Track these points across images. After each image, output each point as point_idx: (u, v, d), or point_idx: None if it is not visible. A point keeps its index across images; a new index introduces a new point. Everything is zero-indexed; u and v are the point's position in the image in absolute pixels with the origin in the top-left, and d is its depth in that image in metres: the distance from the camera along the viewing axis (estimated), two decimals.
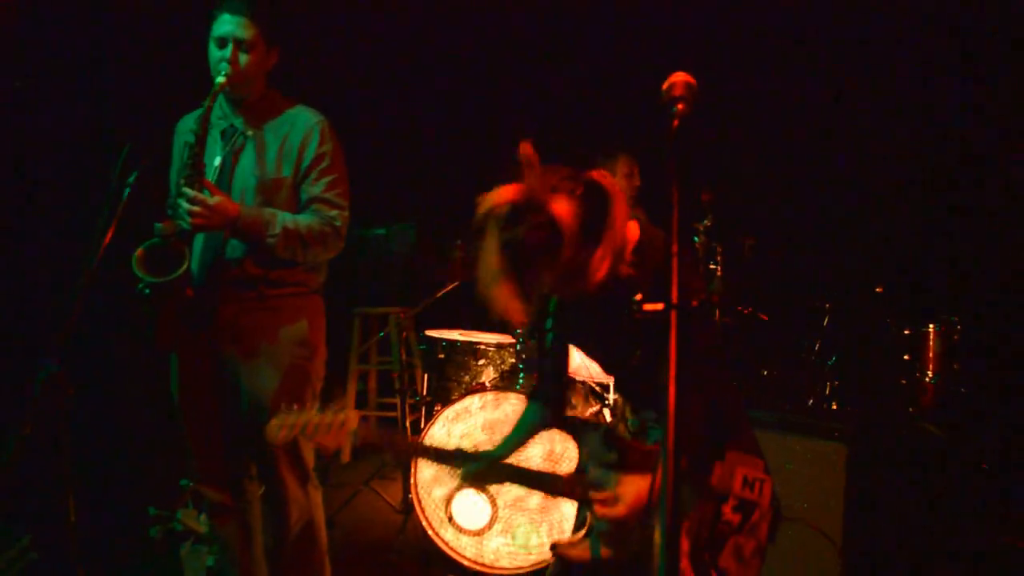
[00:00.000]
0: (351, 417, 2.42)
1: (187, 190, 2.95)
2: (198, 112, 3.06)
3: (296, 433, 2.44)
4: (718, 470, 2.39)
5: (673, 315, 1.33)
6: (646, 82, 2.36)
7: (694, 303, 1.70)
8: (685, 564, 2.37)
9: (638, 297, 1.84)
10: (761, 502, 2.42)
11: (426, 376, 5.20)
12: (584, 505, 2.50)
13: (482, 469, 2.53)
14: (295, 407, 2.47)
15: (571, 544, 2.56)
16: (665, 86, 1.82)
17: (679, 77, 1.81)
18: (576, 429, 2.52)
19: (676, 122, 1.61)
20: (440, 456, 2.54)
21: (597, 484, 2.43)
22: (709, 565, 2.37)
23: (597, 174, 2.23)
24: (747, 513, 2.43)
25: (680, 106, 1.65)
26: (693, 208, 5.30)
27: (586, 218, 2.13)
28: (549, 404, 2.68)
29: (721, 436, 2.42)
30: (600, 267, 2.16)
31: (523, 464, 2.53)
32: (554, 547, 2.58)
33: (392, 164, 5.97)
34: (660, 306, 1.36)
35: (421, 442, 2.61)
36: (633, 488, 2.35)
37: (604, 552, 2.45)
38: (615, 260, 2.20)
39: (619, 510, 2.36)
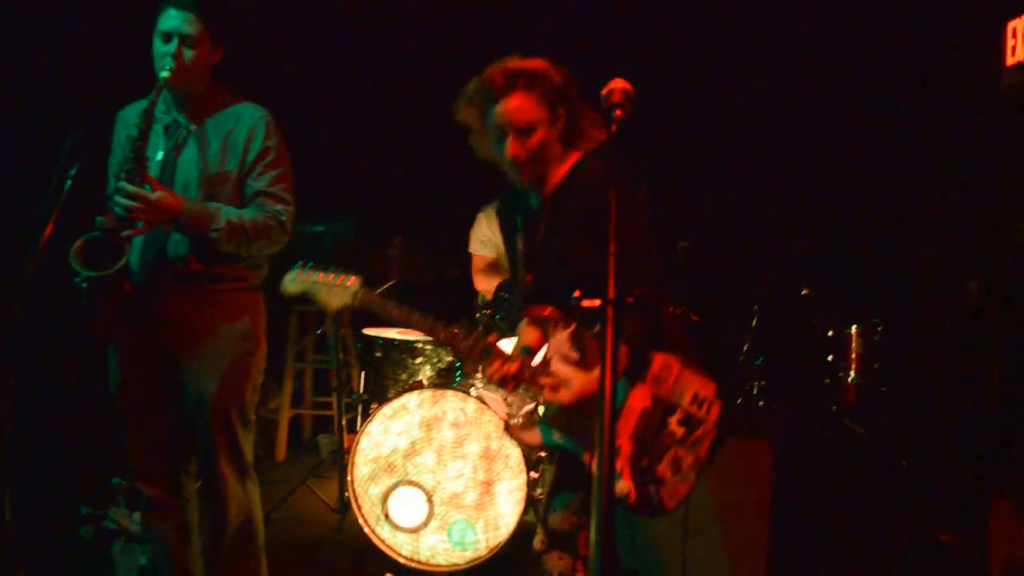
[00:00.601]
0: (354, 280, 2.74)
1: (125, 185, 2.92)
2: (141, 104, 3.05)
3: (308, 287, 2.77)
4: (664, 374, 2.56)
5: (609, 311, 1.39)
6: (587, 88, 2.48)
7: (636, 293, 1.82)
8: (623, 466, 2.51)
9: (576, 293, 1.94)
10: (708, 420, 2.57)
11: (363, 374, 5.21)
12: (536, 388, 2.66)
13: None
14: (312, 263, 2.79)
15: (522, 427, 2.72)
16: (604, 92, 1.91)
17: (617, 84, 1.91)
18: (544, 324, 2.65)
19: (614, 127, 1.69)
20: (431, 329, 2.70)
21: (551, 374, 2.60)
22: (647, 470, 2.49)
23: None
24: (691, 428, 2.57)
25: (618, 112, 1.74)
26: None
27: (552, 88, 2.54)
28: (522, 308, 2.81)
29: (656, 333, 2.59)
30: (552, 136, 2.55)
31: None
32: (506, 426, 2.75)
33: (331, 160, 5.96)
34: (597, 302, 1.43)
35: (413, 311, 2.72)
36: (581, 379, 2.52)
37: (556, 437, 2.62)
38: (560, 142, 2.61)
39: (565, 396, 2.54)
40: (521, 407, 4.22)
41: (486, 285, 4.92)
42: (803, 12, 5.88)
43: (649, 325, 2.57)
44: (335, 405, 4.83)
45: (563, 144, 2.67)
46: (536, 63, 2.58)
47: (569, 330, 2.63)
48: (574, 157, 2.70)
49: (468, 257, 5.20)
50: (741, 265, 6.18)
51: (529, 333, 2.79)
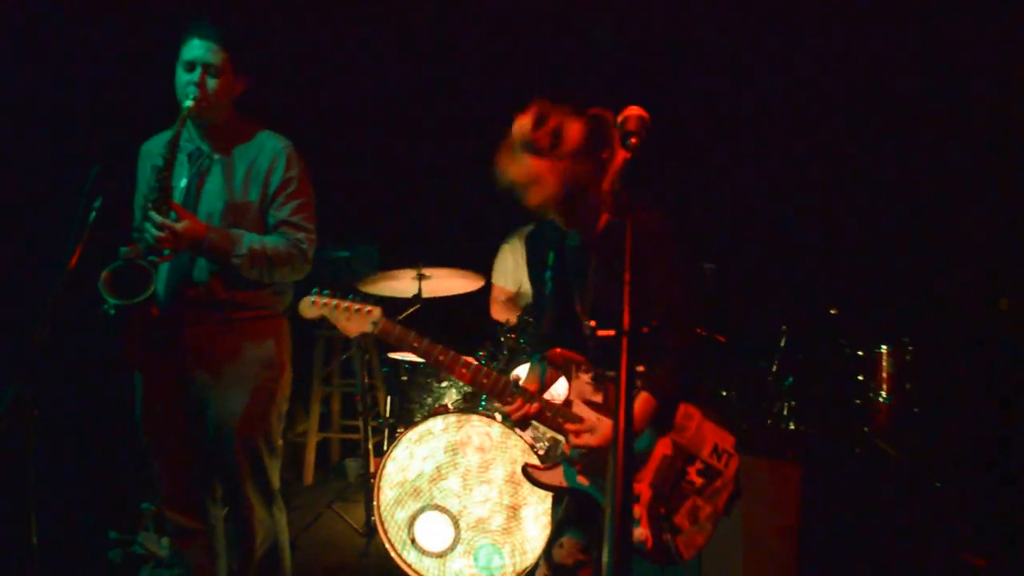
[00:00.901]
0: (376, 309, 2.74)
1: (154, 215, 2.97)
2: (165, 135, 3.10)
3: (326, 312, 2.77)
4: (685, 423, 2.59)
5: (624, 342, 1.39)
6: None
7: (652, 325, 1.83)
8: (641, 513, 2.53)
9: (592, 323, 1.96)
10: (726, 473, 2.60)
11: (389, 398, 5.21)
12: (560, 433, 2.66)
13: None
14: (328, 291, 2.79)
15: (541, 469, 2.70)
16: (619, 119, 1.91)
17: (632, 112, 1.90)
18: (567, 367, 2.64)
19: (629, 155, 1.68)
20: (452, 365, 2.68)
21: (575, 417, 2.61)
22: (663, 519, 2.50)
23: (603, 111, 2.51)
24: (710, 479, 2.61)
25: (633, 140, 1.73)
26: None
27: (589, 134, 2.46)
28: (544, 343, 2.79)
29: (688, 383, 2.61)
30: (589, 182, 2.48)
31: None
32: (525, 469, 2.71)
33: (356, 186, 6.01)
34: (612, 332, 1.43)
35: (435, 345, 2.70)
36: (607, 424, 2.53)
37: (580, 480, 2.62)
38: (609, 191, 2.51)
39: (590, 440, 2.54)
40: (547, 432, 4.21)
41: (503, 316, 4.89)
42: (830, 31, 5.85)
43: (683, 375, 2.59)
44: (362, 429, 4.83)
45: (611, 186, 2.60)
46: (573, 121, 2.50)
47: (591, 373, 2.64)
48: (624, 199, 2.67)
49: (488, 286, 5.19)
50: (768, 285, 6.14)
51: (532, 379, 2.81)
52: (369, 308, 2.76)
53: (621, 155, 2.34)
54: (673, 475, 2.59)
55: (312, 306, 2.81)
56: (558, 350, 2.62)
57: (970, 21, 5.35)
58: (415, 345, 2.72)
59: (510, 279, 5.10)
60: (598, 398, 2.63)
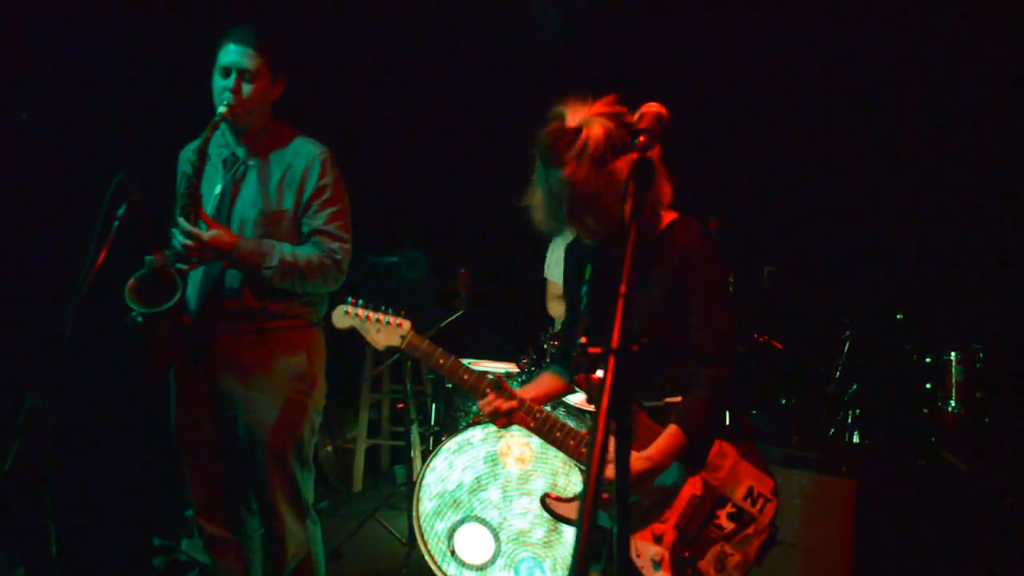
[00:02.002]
0: (406, 323, 2.71)
1: (182, 222, 2.94)
2: (198, 141, 3.06)
3: (356, 323, 2.75)
4: (718, 461, 2.44)
5: (611, 360, 1.27)
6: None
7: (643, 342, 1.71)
8: (664, 555, 2.39)
9: (583, 340, 1.84)
10: (760, 519, 2.41)
11: (434, 405, 5.15)
12: (573, 457, 2.59)
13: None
14: (363, 301, 2.77)
15: (561, 500, 2.59)
16: (636, 116, 1.78)
17: (651, 108, 1.77)
18: (591, 392, 2.55)
19: (635, 155, 1.55)
20: (470, 384, 2.62)
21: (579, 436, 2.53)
22: (688, 563, 2.34)
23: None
24: (742, 524, 2.41)
25: (642, 138, 1.60)
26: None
27: (612, 138, 2.29)
28: (566, 363, 2.73)
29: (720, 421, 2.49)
30: (613, 191, 2.29)
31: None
32: (544, 500, 2.62)
33: (403, 192, 5.98)
34: (599, 350, 1.31)
35: (460, 364, 2.65)
36: (631, 455, 2.36)
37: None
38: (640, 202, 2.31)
39: (610, 472, 2.35)
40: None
41: (559, 311, 4.79)
42: (885, 44, 5.65)
43: (718, 408, 2.46)
44: (406, 436, 4.77)
45: (664, 195, 2.49)
46: (596, 125, 2.33)
47: None
48: (668, 217, 2.55)
49: (543, 282, 5.07)
50: (830, 288, 5.93)
51: (530, 389, 2.71)
52: (399, 321, 2.73)
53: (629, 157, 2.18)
54: (701, 517, 2.42)
55: (344, 316, 2.79)
56: (581, 376, 2.48)
57: None
58: (441, 363, 2.66)
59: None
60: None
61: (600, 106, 2.35)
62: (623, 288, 1.35)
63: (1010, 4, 5.29)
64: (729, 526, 2.39)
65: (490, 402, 2.55)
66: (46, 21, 4.13)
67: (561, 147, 2.33)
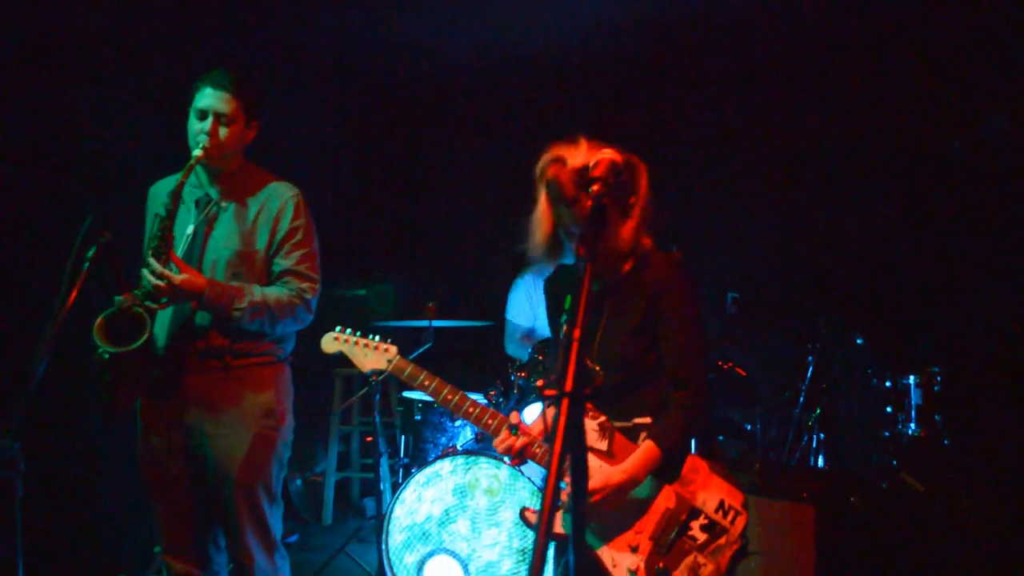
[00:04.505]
0: (392, 348, 2.89)
1: (153, 263, 2.97)
2: (174, 178, 3.10)
3: (345, 348, 2.93)
4: (691, 476, 2.53)
5: (565, 403, 1.33)
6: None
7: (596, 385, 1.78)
8: (639, 565, 2.46)
9: (539, 383, 1.92)
10: (732, 531, 2.51)
11: (403, 438, 5.18)
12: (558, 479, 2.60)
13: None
14: (351, 329, 2.95)
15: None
16: (591, 163, 1.85)
17: (605, 155, 1.84)
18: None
19: (589, 203, 1.62)
20: (459, 406, 2.73)
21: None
22: (662, 573, 2.42)
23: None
24: (714, 535, 2.51)
25: (595, 187, 1.67)
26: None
27: (617, 175, 2.29)
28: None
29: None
30: (620, 227, 2.43)
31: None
32: (523, 514, 2.70)
33: (371, 227, 6.02)
34: (554, 392, 1.37)
35: (445, 385, 2.77)
36: (605, 470, 2.49)
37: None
38: (635, 233, 2.50)
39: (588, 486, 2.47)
40: None
41: (517, 353, 4.83)
42: (863, 52, 5.77)
43: (691, 434, 2.55)
44: (375, 469, 4.79)
45: (636, 234, 2.57)
46: (604, 164, 2.45)
47: (598, 420, 2.58)
48: (644, 245, 2.64)
49: (503, 322, 5.12)
50: (793, 314, 6.02)
51: (538, 424, 2.75)
52: (386, 347, 2.90)
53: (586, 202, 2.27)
54: (675, 528, 2.52)
55: (333, 341, 2.97)
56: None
57: None
58: (426, 384, 2.79)
59: (524, 315, 5.03)
60: (603, 445, 2.58)
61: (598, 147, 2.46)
62: (576, 332, 1.40)
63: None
64: (702, 537, 2.49)
65: (503, 440, 2.63)
66: (13, 60, 4.15)
67: (578, 185, 2.42)
